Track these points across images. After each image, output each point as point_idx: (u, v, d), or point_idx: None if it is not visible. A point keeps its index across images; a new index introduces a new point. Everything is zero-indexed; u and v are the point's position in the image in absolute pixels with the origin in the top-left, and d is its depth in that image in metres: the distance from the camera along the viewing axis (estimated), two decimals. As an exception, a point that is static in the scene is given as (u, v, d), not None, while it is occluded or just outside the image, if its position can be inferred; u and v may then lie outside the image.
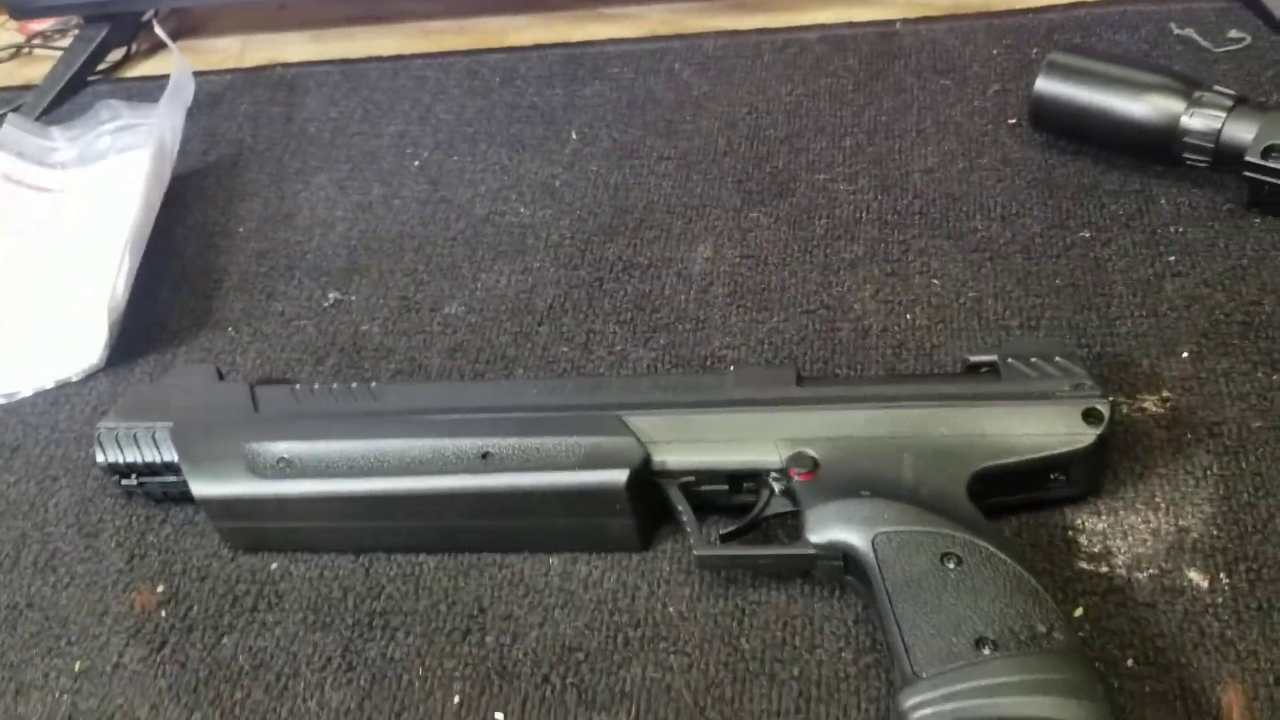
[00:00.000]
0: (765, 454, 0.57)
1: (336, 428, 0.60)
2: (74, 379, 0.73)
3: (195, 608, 0.60)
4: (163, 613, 0.60)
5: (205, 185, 0.90)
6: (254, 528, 0.61)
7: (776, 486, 0.57)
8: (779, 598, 0.56)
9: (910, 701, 0.47)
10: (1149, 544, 0.55)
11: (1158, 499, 0.57)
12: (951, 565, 0.51)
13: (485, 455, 0.58)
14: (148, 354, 0.76)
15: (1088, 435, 0.55)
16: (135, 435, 0.62)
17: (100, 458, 0.62)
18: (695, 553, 0.56)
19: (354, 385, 0.63)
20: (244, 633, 0.58)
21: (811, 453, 0.56)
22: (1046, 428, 0.55)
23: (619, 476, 0.56)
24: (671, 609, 0.56)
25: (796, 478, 0.55)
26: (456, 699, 0.54)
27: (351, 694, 0.55)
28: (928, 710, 0.46)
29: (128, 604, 0.61)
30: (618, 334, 0.71)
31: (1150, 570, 0.54)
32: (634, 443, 0.57)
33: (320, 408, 0.62)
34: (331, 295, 0.78)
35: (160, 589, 0.61)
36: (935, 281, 0.71)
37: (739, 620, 0.55)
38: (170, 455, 0.61)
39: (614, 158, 0.85)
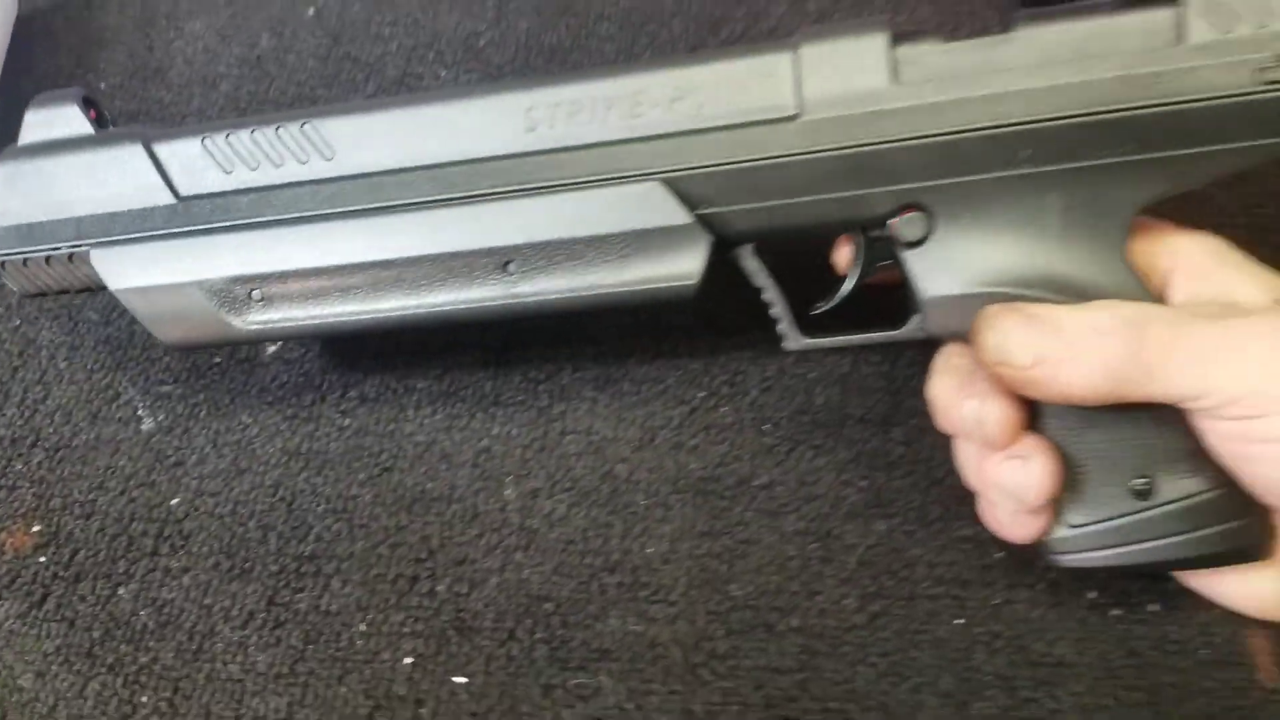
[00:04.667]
0: (856, 211, 0.44)
1: (305, 246, 0.46)
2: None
3: (81, 552, 0.51)
4: (41, 558, 0.51)
5: (54, 29, 0.76)
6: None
7: (876, 244, 0.45)
8: (770, 537, 0.50)
9: (1058, 547, 0.44)
10: None
11: None
12: None
13: (506, 264, 0.46)
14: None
15: None
16: (48, 260, 0.49)
17: (15, 287, 0.50)
18: (788, 346, 0.46)
19: (283, 129, 0.46)
20: (144, 582, 0.50)
21: (922, 205, 0.43)
22: (1239, 130, 0.40)
23: (685, 287, 0.45)
24: (650, 549, 0.50)
25: (903, 246, 0.44)
26: (409, 660, 0.47)
27: (282, 654, 0.47)
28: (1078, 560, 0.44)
29: (-4, 548, 0.51)
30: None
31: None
32: (697, 231, 0.44)
33: (258, 179, 0.47)
34: (220, 169, 0.66)
35: (36, 529, 0.51)
36: None
37: (728, 562, 0.49)
38: (101, 282, 0.48)
39: (547, 14, 0.74)
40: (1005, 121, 0.42)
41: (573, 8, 0.75)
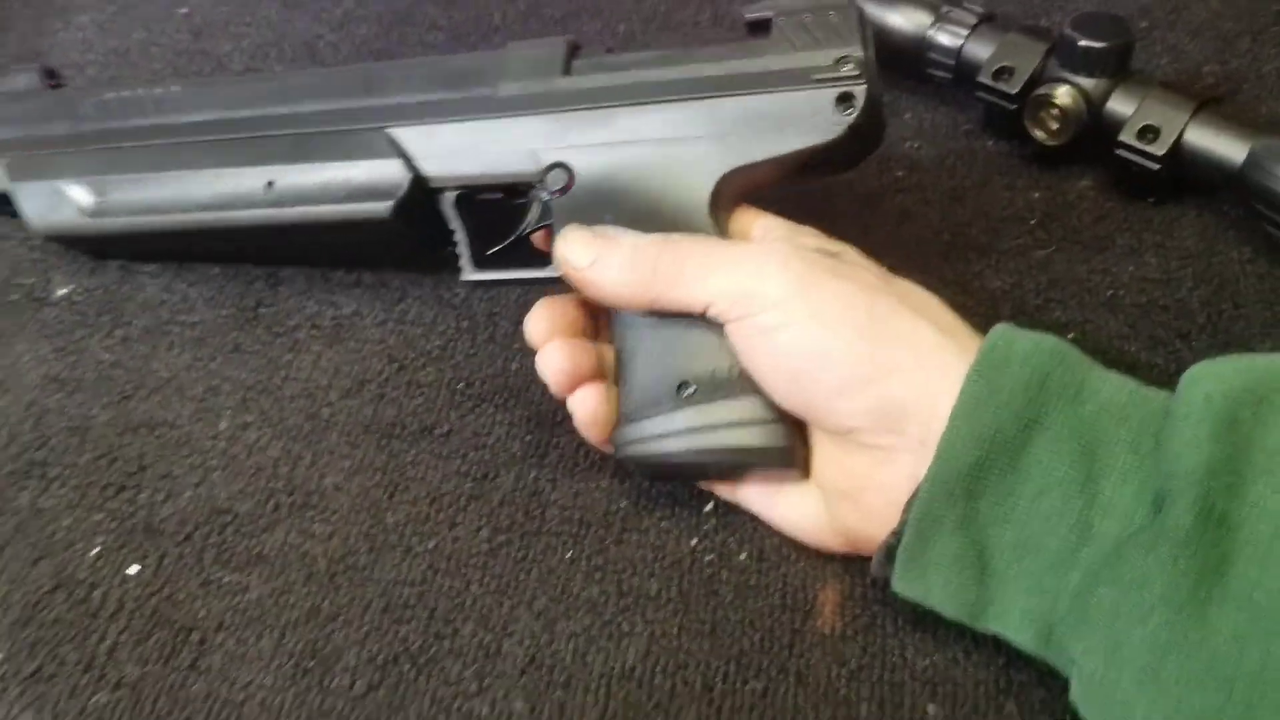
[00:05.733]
0: (524, 165, 0.55)
1: (146, 159, 0.61)
2: None
3: None
4: None
5: (-34, 15, 0.86)
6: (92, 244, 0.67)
7: (542, 198, 0.56)
8: (433, 476, 0.57)
9: (618, 440, 0.52)
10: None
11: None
12: None
13: (270, 184, 0.59)
14: None
15: (839, 123, 0.51)
16: None
17: None
18: (464, 277, 0.57)
19: (154, 90, 0.63)
20: (-101, 473, 0.58)
21: (568, 163, 0.54)
22: (795, 123, 0.51)
23: (387, 208, 0.57)
24: (328, 480, 0.57)
25: (551, 195, 0.54)
26: (95, 550, 0.55)
27: (-7, 540, 0.56)
28: (632, 450, 0.51)
29: None
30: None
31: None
32: (400, 166, 0.57)
33: (131, 121, 0.63)
34: (69, 141, 0.76)
35: None
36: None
37: (390, 493, 0.56)
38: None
39: (385, 22, 0.83)
40: (629, 101, 0.53)
41: (411, 18, 0.83)
